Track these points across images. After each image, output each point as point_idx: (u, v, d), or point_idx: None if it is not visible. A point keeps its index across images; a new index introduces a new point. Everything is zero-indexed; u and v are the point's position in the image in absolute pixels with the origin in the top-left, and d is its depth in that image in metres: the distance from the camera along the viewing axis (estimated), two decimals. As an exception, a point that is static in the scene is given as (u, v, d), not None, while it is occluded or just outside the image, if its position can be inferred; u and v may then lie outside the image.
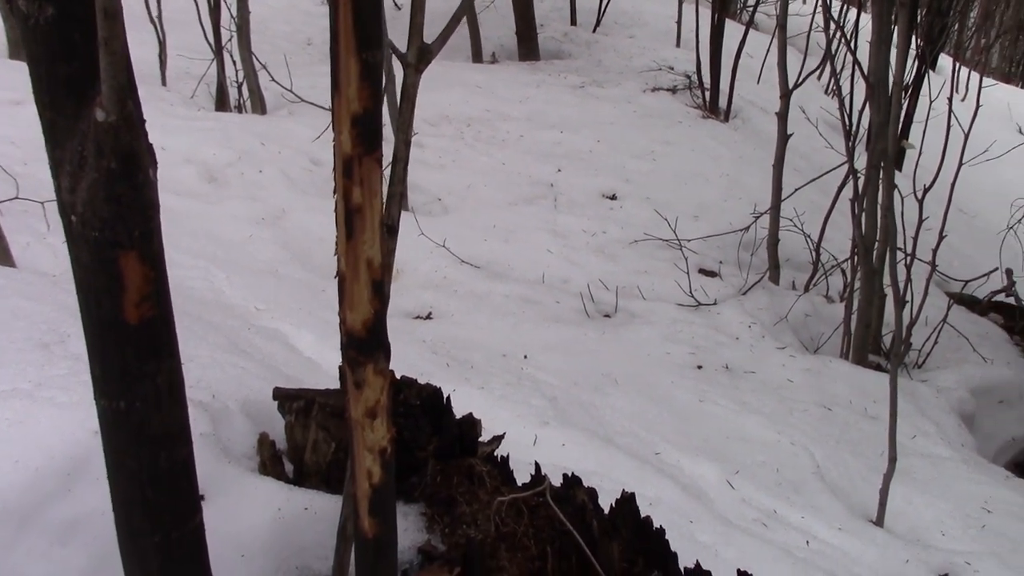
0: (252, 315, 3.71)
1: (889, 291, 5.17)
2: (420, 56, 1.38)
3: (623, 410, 3.72)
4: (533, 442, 3.21)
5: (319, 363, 3.37)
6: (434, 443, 2.15)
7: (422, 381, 3.27)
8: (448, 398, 2.19)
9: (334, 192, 1.11)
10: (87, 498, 1.80)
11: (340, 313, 1.18)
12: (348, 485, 1.45)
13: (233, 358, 2.87)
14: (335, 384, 2.17)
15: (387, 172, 1.47)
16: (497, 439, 2.27)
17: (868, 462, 3.81)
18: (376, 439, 1.23)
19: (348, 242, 1.12)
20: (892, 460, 3.39)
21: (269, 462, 2.16)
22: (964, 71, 12.84)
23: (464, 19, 9.07)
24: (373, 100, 1.05)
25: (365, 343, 1.19)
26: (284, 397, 2.17)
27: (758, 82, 9.40)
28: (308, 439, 2.14)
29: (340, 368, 1.39)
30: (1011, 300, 5.97)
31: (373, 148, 1.09)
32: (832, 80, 10.21)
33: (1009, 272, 5.95)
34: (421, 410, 2.16)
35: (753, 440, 3.71)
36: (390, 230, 1.44)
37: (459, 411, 2.27)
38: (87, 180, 1.19)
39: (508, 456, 2.21)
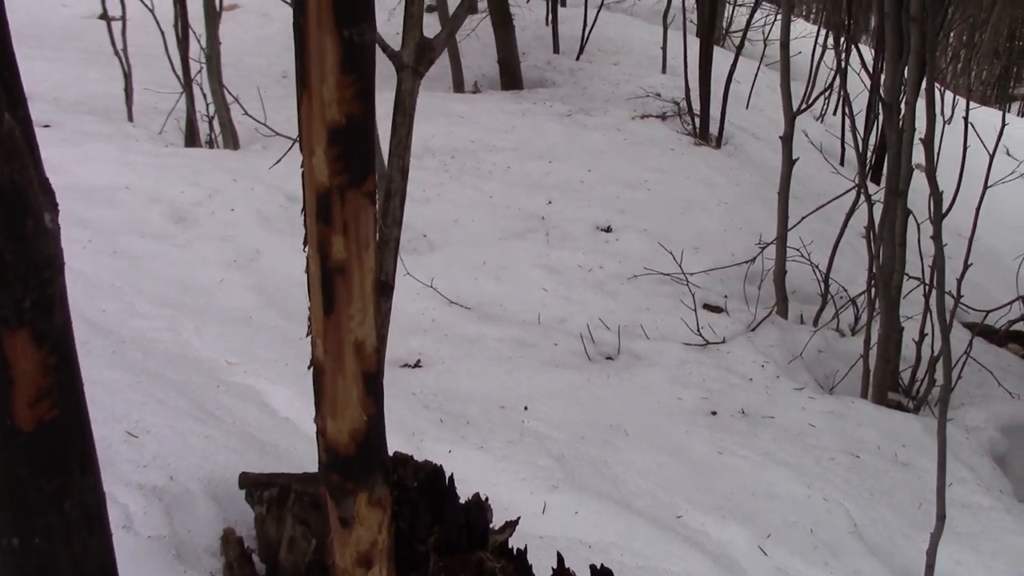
0: (223, 370, 3.33)
1: (906, 324, 4.86)
2: (419, 54, 1.00)
3: (637, 466, 3.36)
4: (542, 510, 2.84)
5: (297, 424, 2.99)
6: (436, 534, 1.77)
7: (415, 440, 2.89)
8: (451, 478, 1.82)
9: (304, 245, 0.74)
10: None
11: (318, 419, 0.81)
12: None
13: (198, 426, 2.50)
14: (315, 452, 1.80)
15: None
16: (511, 525, 1.90)
17: (907, 516, 3.45)
18: (372, 595, 0.85)
19: (327, 317, 0.75)
20: (941, 518, 3.02)
21: (236, 563, 1.77)
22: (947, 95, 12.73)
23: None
24: (361, 103, 0.68)
25: (355, 464, 0.81)
26: (254, 484, 1.79)
27: (747, 108, 9.14)
28: (283, 535, 1.76)
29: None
30: (1031, 329, 5.65)
31: (361, 177, 0.72)
32: (834, 102, 10.01)
33: (1028, 300, 5.64)
34: (419, 493, 1.78)
35: (781, 496, 3.35)
36: (384, 288, 1.06)
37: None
38: (-49, 232, 0.83)
39: (526, 548, 1.84)
